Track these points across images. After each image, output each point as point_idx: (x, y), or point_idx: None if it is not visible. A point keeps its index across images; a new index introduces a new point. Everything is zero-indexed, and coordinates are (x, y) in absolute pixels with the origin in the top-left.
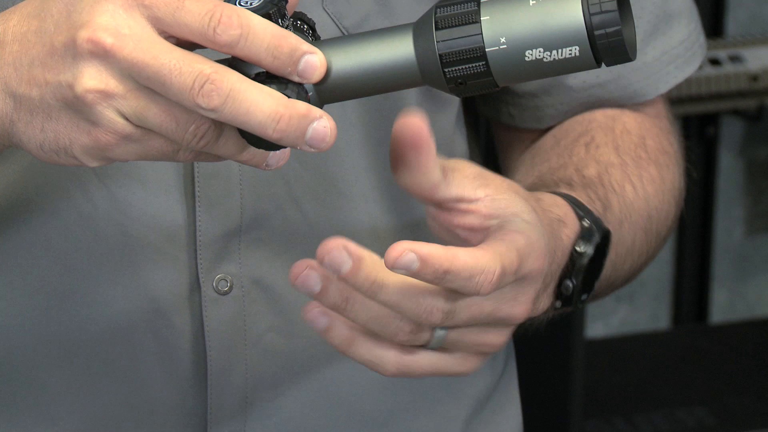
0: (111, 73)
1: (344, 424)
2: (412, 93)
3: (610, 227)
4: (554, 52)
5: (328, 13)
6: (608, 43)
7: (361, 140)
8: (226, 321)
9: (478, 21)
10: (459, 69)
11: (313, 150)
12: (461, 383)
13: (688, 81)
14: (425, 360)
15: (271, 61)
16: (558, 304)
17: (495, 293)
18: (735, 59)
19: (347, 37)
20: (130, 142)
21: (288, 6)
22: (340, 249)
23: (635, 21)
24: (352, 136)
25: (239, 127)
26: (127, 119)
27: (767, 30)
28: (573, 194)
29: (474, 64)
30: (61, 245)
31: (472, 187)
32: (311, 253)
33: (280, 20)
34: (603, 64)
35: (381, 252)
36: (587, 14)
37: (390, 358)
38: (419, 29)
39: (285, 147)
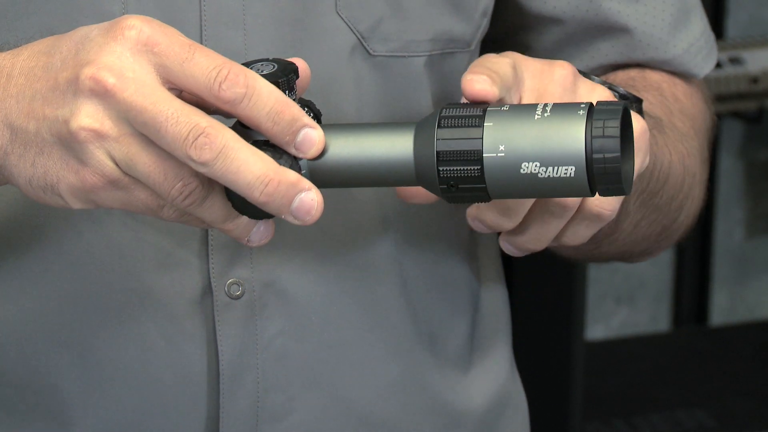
0: (108, 114)
1: (355, 428)
2: (426, 97)
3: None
4: (550, 168)
5: (342, 18)
6: (604, 168)
7: None
8: (239, 325)
9: (481, 126)
10: (453, 170)
11: (297, 222)
12: (470, 389)
13: None
14: None
15: (271, 126)
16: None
17: None
18: (735, 61)
19: (349, 125)
20: (115, 188)
21: (298, 85)
22: None
23: (661, 14)
24: None
25: (227, 185)
26: (116, 164)
27: (767, 32)
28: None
29: (469, 167)
30: (74, 251)
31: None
32: (323, 257)
33: (287, 92)
34: (597, 194)
35: (395, 255)
36: (589, 136)
37: None
38: (422, 127)
39: (269, 216)
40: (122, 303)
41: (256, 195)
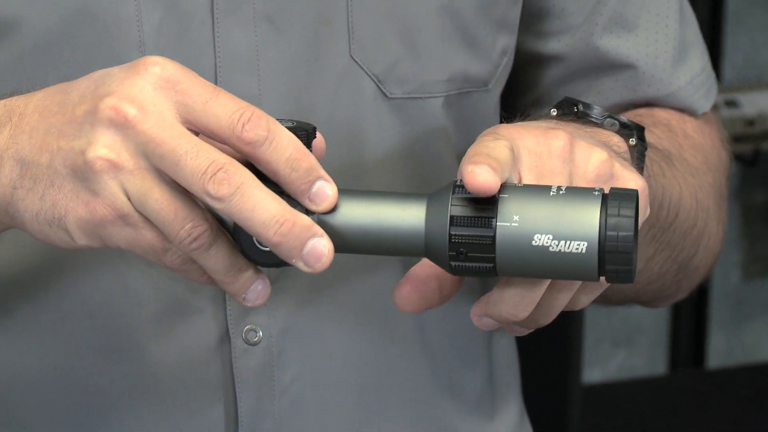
0: (126, 146)
1: None
2: (447, 138)
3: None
4: (562, 242)
5: (356, 62)
6: (616, 246)
7: (393, 188)
8: (257, 371)
9: (496, 197)
10: (465, 236)
11: (307, 269)
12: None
13: None
14: None
15: (288, 173)
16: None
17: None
18: (731, 104)
19: (363, 190)
20: (124, 224)
21: (314, 148)
22: None
23: (663, 47)
24: (387, 185)
25: (242, 223)
26: (128, 198)
27: (763, 75)
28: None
29: (481, 234)
30: (92, 300)
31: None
32: (339, 302)
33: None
34: (603, 278)
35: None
36: (604, 214)
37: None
38: (436, 195)
39: (276, 264)
40: (140, 351)
41: (270, 234)
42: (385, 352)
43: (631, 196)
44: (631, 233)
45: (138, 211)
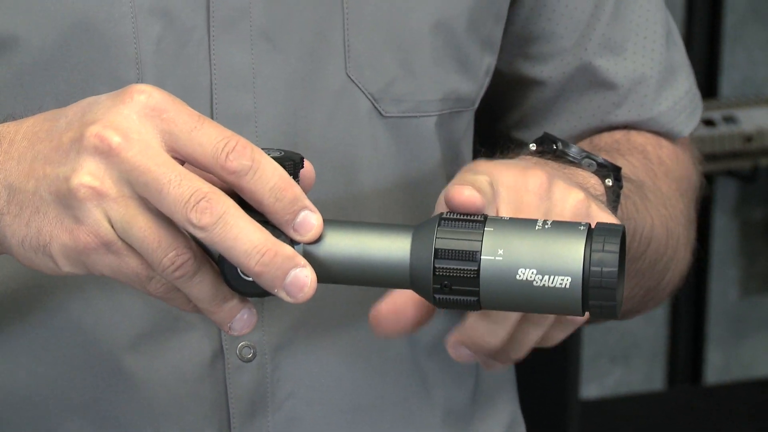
0: (109, 174)
1: None
2: (437, 158)
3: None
4: (546, 277)
5: (352, 80)
6: (600, 282)
7: (387, 207)
8: (250, 388)
9: (481, 230)
10: (449, 269)
11: (289, 299)
12: None
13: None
14: None
15: (273, 203)
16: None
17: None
18: (729, 120)
19: (348, 221)
20: (108, 252)
21: (302, 178)
22: None
23: (648, 71)
24: (381, 204)
25: (224, 252)
26: (112, 226)
27: (761, 91)
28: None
29: (465, 267)
30: (84, 317)
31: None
32: (334, 321)
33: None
34: (587, 313)
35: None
36: (588, 250)
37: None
38: (421, 228)
39: (260, 294)
40: (133, 367)
41: (252, 264)
42: (379, 372)
43: (617, 231)
44: (615, 269)
45: (122, 238)
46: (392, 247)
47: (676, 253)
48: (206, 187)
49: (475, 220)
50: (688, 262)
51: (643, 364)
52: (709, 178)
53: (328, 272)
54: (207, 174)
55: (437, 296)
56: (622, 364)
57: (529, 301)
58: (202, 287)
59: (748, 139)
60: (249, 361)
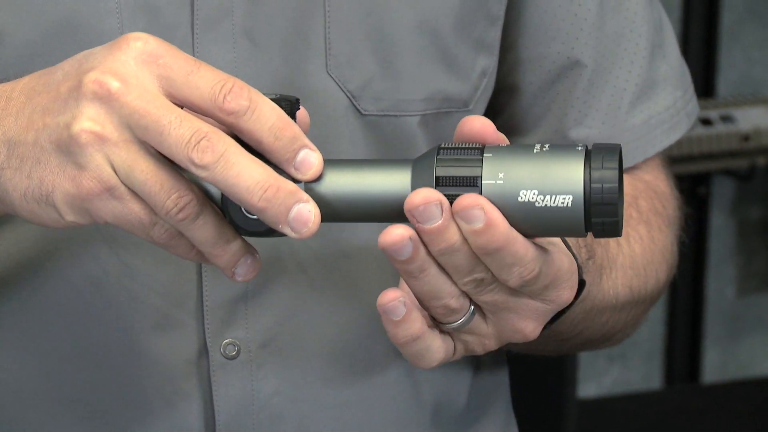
0: (110, 118)
1: None
2: (422, 142)
3: (588, 277)
4: (548, 197)
5: (332, 77)
6: (602, 198)
7: None
8: (235, 385)
9: (480, 156)
10: (451, 196)
11: (294, 235)
12: None
13: (679, 141)
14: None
15: (272, 141)
16: None
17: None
18: (726, 119)
19: (347, 160)
20: (111, 197)
21: (299, 119)
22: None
23: (624, 83)
24: None
25: (226, 190)
26: (114, 170)
27: (758, 90)
28: None
29: (467, 193)
30: (72, 310)
31: None
32: (319, 319)
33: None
34: (591, 233)
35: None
36: (588, 168)
37: (439, 345)
38: (420, 159)
39: (264, 233)
40: (121, 363)
41: (255, 200)
42: (366, 369)
43: (614, 149)
44: (616, 185)
45: (124, 183)
46: (393, 180)
47: (648, 293)
48: (206, 127)
49: (474, 148)
50: (667, 282)
51: (640, 363)
52: (706, 177)
53: (331, 210)
54: (206, 118)
55: None
56: (620, 363)
57: (532, 223)
58: (206, 229)
59: (745, 138)
60: (233, 358)
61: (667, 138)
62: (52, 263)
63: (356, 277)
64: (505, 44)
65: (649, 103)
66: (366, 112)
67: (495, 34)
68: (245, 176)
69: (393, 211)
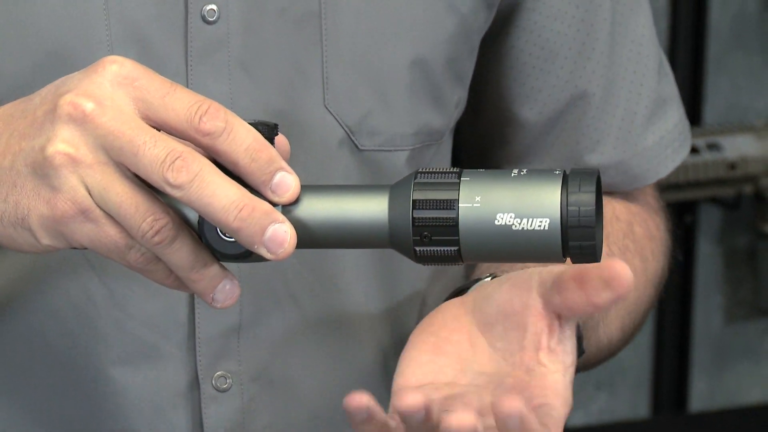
0: (84, 140)
1: None
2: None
3: (591, 340)
4: (525, 220)
5: (330, 112)
6: (579, 221)
7: None
8: (226, 418)
9: (458, 180)
10: (428, 219)
11: (270, 256)
12: None
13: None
14: None
15: (249, 163)
16: None
17: None
18: (713, 147)
19: (323, 185)
20: (85, 220)
21: (278, 145)
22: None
23: (635, 106)
24: None
25: (201, 210)
26: (89, 193)
27: (745, 118)
28: None
29: (444, 216)
30: (60, 343)
31: None
32: (310, 351)
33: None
34: (568, 258)
35: (385, 350)
36: (565, 192)
37: None
38: (398, 185)
39: (240, 257)
40: (108, 394)
41: (230, 219)
42: None
43: (592, 174)
44: (593, 207)
45: (99, 206)
46: (370, 204)
47: (636, 323)
48: (181, 147)
49: (451, 172)
50: (653, 306)
51: (627, 391)
52: (692, 206)
53: (308, 234)
54: (182, 141)
55: (418, 249)
56: (607, 391)
57: (509, 247)
58: (182, 253)
59: (732, 166)
60: (224, 391)
61: (677, 156)
62: (39, 294)
63: (349, 311)
64: (510, 76)
65: (659, 122)
66: (363, 147)
67: (471, 66)
68: (220, 196)
69: (371, 236)
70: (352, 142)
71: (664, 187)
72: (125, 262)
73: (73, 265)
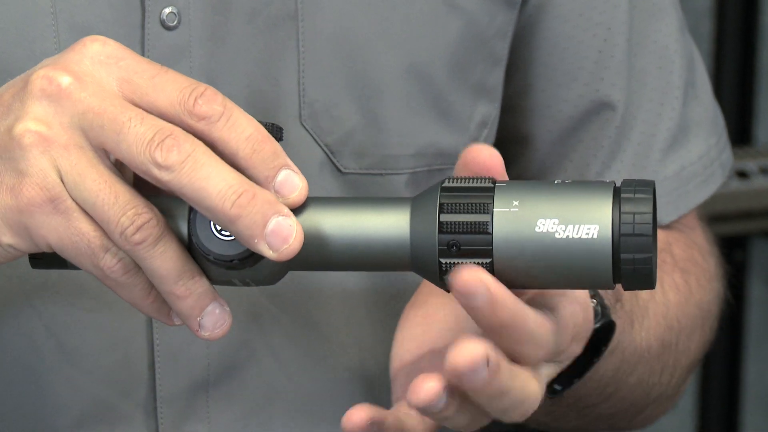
0: (59, 118)
1: None
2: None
3: (619, 322)
4: (570, 227)
5: (306, 129)
6: (633, 227)
7: (345, 278)
8: None
9: (492, 185)
10: (457, 224)
11: (272, 254)
12: None
13: (711, 196)
14: None
15: (250, 154)
16: None
17: None
18: (766, 171)
19: (332, 198)
20: (54, 211)
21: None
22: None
23: (652, 130)
24: (340, 276)
25: (193, 197)
26: (61, 178)
27: None
28: None
29: (476, 220)
30: (10, 413)
31: None
32: (292, 411)
33: None
34: (618, 277)
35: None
36: (618, 196)
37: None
38: (421, 196)
39: (236, 257)
40: None
41: (228, 207)
42: None
43: (648, 183)
44: (650, 213)
45: (71, 195)
46: (389, 213)
47: (684, 352)
48: (170, 127)
49: (485, 178)
50: (704, 345)
51: None
52: (743, 240)
53: (313, 252)
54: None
55: (443, 261)
56: None
57: (550, 260)
58: (167, 258)
59: None
60: None
61: (701, 192)
62: None
63: (335, 363)
64: (516, 89)
65: (681, 151)
66: (346, 170)
67: (497, 77)
68: (216, 179)
69: (386, 251)
70: (333, 163)
71: (709, 218)
72: (98, 271)
73: (15, 310)
